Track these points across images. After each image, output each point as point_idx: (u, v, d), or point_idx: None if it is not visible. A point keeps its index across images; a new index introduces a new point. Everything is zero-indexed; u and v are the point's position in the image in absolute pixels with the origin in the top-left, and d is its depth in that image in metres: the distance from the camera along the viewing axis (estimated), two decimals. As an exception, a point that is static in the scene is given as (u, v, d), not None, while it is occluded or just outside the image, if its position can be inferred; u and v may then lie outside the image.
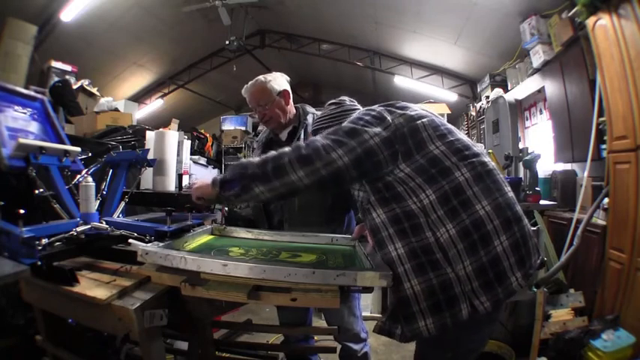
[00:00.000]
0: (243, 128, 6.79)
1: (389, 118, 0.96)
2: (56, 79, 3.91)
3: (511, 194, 0.96)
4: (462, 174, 0.91)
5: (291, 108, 1.62)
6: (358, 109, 1.19)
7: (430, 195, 0.89)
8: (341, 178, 0.92)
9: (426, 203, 0.89)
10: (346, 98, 1.26)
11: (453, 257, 0.85)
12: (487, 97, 4.55)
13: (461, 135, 1.01)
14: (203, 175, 5.33)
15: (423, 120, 0.97)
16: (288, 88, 1.61)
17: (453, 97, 5.43)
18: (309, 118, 1.61)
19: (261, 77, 1.58)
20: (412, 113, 0.99)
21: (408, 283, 0.86)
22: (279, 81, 1.59)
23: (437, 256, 0.86)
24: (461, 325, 0.85)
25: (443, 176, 0.90)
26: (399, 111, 0.99)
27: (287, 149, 0.94)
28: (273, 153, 0.95)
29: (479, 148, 1.00)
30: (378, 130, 0.93)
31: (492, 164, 0.98)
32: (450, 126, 1.02)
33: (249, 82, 1.59)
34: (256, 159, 0.97)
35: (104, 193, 1.42)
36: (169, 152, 1.72)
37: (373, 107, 1.03)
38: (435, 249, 0.86)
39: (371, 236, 1.01)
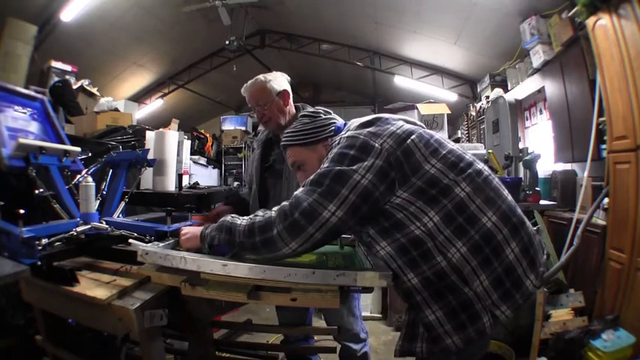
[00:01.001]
0: (243, 128, 6.79)
1: (376, 144, 0.88)
2: (56, 79, 3.91)
3: (510, 197, 0.95)
4: (462, 189, 0.87)
5: (291, 108, 1.61)
6: (334, 122, 1.09)
7: (434, 217, 0.85)
8: (338, 233, 0.88)
9: (431, 226, 0.85)
10: (322, 110, 1.16)
11: (468, 275, 0.83)
12: (487, 97, 4.55)
13: (450, 144, 0.97)
14: (203, 174, 5.33)
15: (413, 137, 0.91)
16: (289, 88, 1.60)
17: (453, 97, 5.43)
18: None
19: (261, 77, 1.57)
20: (399, 131, 0.92)
21: (429, 309, 0.85)
22: (279, 81, 1.58)
23: (452, 278, 0.84)
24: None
25: (444, 195, 0.86)
26: (384, 130, 0.92)
27: (273, 214, 0.87)
28: (259, 218, 0.89)
29: (469, 154, 0.97)
30: (369, 163, 0.86)
31: (487, 169, 0.96)
32: (437, 136, 0.97)
33: (249, 81, 1.58)
34: (244, 222, 0.90)
35: (104, 193, 1.42)
36: (169, 152, 1.71)
37: (354, 134, 0.93)
38: (449, 271, 0.83)
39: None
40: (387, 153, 0.87)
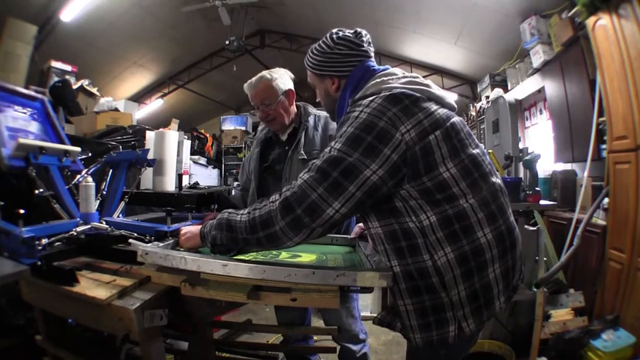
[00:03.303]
0: (243, 128, 6.79)
1: (397, 134, 0.82)
2: (56, 79, 3.91)
3: (512, 218, 0.93)
4: (467, 200, 0.84)
5: (293, 107, 1.58)
6: (358, 61, 1.00)
7: (431, 217, 0.83)
8: (338, 225, 0.88)
9: (426, 224, 0.83)
10: (349, 42, 1.01)
11: (449, 282, 0.82)
12: (487, 97, 4.55)
13: (472, 146, 0.91)
14: (203, 174, 5.33)
15: (437, 134, 0.84)
16: (293, 87, 1.56)
17: (453, 97, 5.42)
18: (311, 120, 1.56)
19: (266, 74, 1.51)
20: (426, 121, 0.84)
21: (402, 301, 0.86)
22: (285, 79, 1.53)
23: (433, 280, 0.83)
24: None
25: (447, 202, 0.84)
26: (411, 115, 0.84)
27: (273, 207, 0.84)
28: (258, 212, 0.86)
29: (489, 162, 0.94)
30: (384, 155, 0.81)
31: (499, 183, 0.93)
32: (464, 134, 0.90)
33: (254, 78, 1.52)
34: (243, 217, 0.88)
35: (104, 193, 1.42)
36: (169, 152, 1.71)
37: (378, 111, 0.85)
38: (432, 272, 0.83)
39: (371, 242, 0.99)
40: (405, 147, 0.82)
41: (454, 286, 0.83)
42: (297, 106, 1.62)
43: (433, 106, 0.89)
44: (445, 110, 0.91)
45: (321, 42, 1.04)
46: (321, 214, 0.82)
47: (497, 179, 0.93)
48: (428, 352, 0.91)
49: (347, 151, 0.83)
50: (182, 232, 1.04)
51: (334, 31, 1.04)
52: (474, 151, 0.90)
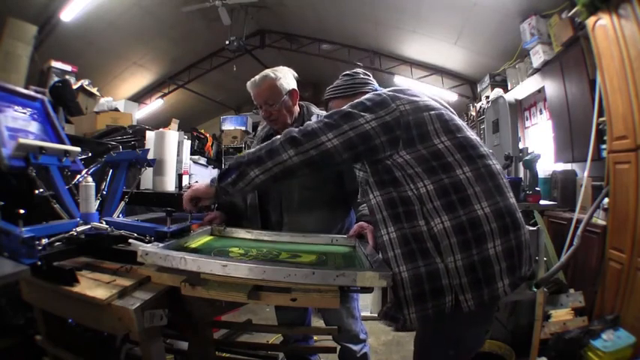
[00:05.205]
0: (243, 128, 6.79)
1: (393, 104, 0.95)
2: (56, 79, 3.91)
3: (513, 200, 0.94)
4: (464, 172, 0.89)
5: (296, 107, 1.55)
6: (372, 83, 1.24)
7: (428, 185, 0.89)
8: (331, 159, 0.94)
9: (423, 192, 0.89)
10: (360, 71, 1.27)
11: (445, 249, 0.85)
12: (487, 97, 4.55)
13: (469, 133, 0.98)
14: (203, 174, 5.33)
15: (431, 112, 0.95)
16: (296, 86, 1.53)
17: (453, 97, 5.43)
18: (313, 120, 1.56)
19: (270, 73, 1.47)
20: (421, 104, 0.97)
21: (397, 268, 0.88)
22: (289, 79, 1.50)
23: (427, 244, 0.87)
24: (448, 318, 0.86)
25: (443, 170, 0.89)
26: (407, 97, 0.98)
27: (280, 135, 0.98)
28: (268, 141, 0.99)
29: (486, 149, 0.98)
30: (377, 113, 0.93)
31: (498, 168, 0.96)
32: (459, 122, 0.99)
33: (257, 77, 1.48)
34: (252, 149, 1.02)
35: (104, 193, 1.42)
36: (169, 152, 1.72)
37: (382, 91, 1.01)
38: (427, 237, 0.87)
39: (371, 216, 1.03)
40: (399, 113, 0.93)
41: (450, 253, 0.85)
42: (300, 106, 1.59)
43: (429, 98, 1.02)
44: (441, 106, 1.02)
45: (340, 80, 1.28)
46: (315, 138, 0.92)
47: (496, 164, 0.97)
48: (438, 350, 0.91)
49: (350, 108, 0.97)
50: (190, 189, 1.13)
51: (343, 72, 1.30)
52: (470, 135, 0.97)
